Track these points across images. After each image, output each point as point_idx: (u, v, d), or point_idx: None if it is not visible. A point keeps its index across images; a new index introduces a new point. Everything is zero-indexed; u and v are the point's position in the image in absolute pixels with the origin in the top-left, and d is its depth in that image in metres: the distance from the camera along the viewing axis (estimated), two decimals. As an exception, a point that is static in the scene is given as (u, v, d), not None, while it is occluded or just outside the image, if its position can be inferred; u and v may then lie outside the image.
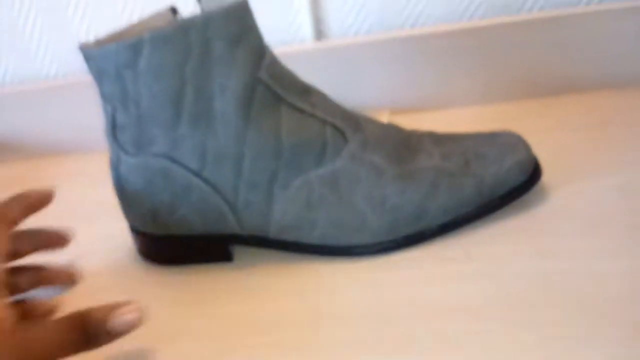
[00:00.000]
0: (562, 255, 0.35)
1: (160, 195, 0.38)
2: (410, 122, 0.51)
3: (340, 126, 0.38)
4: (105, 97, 0.36)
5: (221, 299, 0.38)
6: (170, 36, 0.34)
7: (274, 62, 0.37)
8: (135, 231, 0.40)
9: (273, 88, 0.36)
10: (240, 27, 0.35)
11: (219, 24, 0.34)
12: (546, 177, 0.41)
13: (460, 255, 0.37)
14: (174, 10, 0.40)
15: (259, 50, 0.36)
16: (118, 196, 0.40)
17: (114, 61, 0.34)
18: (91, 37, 0.61)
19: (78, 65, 0.63)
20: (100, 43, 0.37)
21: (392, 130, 0.40)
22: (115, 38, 0.38)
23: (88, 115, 0.60)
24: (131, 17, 0.59)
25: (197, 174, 0.37)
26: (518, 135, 0.40)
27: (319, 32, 0.57)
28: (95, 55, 0.35)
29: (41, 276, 0.35)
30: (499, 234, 0.38)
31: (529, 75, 0.53)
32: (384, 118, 0.53)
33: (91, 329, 0.30)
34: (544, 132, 0.46)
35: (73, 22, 0.61)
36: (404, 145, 0.39)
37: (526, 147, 0.39)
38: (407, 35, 0.52)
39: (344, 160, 0.37)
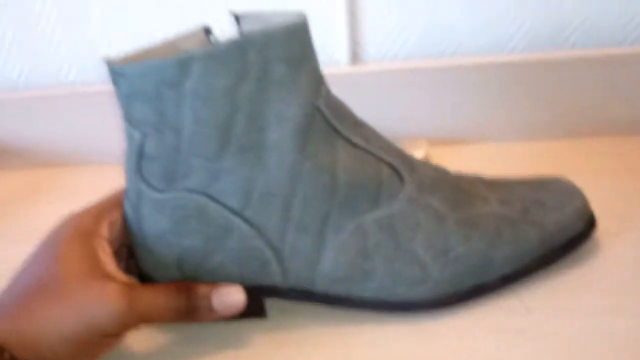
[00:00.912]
0: (624, 312, 0.33)
1: (191, 239, 0.32)
2: (449, 153, 0.49)
3: (397, 165, 0.34)
4: (134, 122, 0.31)
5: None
6: (226, 55, 0.29)
7: (329, 91, 0.33)
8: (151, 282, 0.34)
9: (329, 119, 0.32)
10: (301, 48, 0.31)
11: (280, 44, 0.30)
12: (599, 225, 0.39)
13: (519, 308, 0.35)
14: (207, 31, 0.36)
15: (318, 76, 0.32)
16: (135, 239, 0.34)
17: (155, 80, 0.29)
18: (112, 41, 0.56)
19: (97, 73, 0.58)
20: (127, 60, 0.32)
21: (443, 173, 0.37)
22: (142, 56, 0.33)
23: (105, 126, 0.56)
24: (155, 23, 0.55)
25: (237, 214, 0.32)
26: (570, 182, 0.38)
27: (355, 55, 0.54)
28: (131, 72, 0.29)
29: None
30: (556, 285, 0.36)
31: (573, 113, 0.52)
32: (422, 148, 0.50)
33: (196, 300, 0.31)
34: (589, 175, 0.45)
35: (95, 25, 0.56)
36: (457, 189, 0.36)
37: (581, 194, 0.37)
38: (447, 64, 0.50)
39: (401, 203, 0.34)
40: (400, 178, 0.34)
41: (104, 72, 0.58)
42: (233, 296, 0.32)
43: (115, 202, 0.34)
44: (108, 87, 0.55)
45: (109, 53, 0.57)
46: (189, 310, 0.31)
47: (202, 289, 0.31)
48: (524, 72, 0.50)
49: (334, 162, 0.32)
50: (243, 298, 0.32)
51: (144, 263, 0.34)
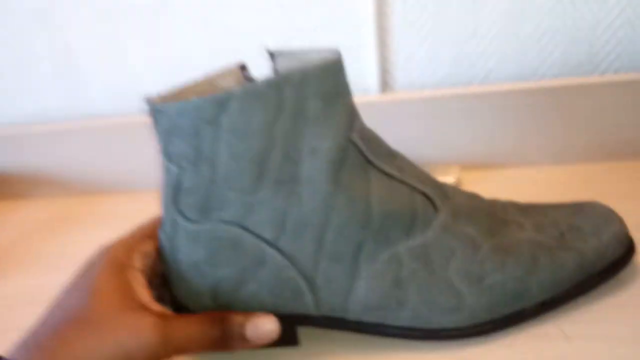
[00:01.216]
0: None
1: (226, 269, 0.33)
2: (480, 178, 0.49)
3: (430, 194, 0.34)
4: (171, 156, 0.32)
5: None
6: (263, 92, 0.30)
7: (363, 124, 0.34)
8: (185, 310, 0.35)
9: (363, 151, 0.33)
10: (336, 85, 0.32)
11: (316, 81, 0.31)
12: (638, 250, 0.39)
13: (557, 335, 0.34)
14: (242, 67, 0.37)
15: (352, 111, 0.33)
16: (169, 269, 0.34)
17: (194, 117, 0.30)
18: (149, 73, 0.59)
19: (133, 104, 0.61)
20: (164, 99, 0.33)
21: (477, 199, 0.37)
22: (180, 94, 0.34)
23: (137, 154, 0.59)
24: (190, 54, 0.57)
25: (271, 244, 0.32)
26: (606, 206, 0.38)
27: (385, 84, 0.55)
28: (171, 110, 0.31)
29: None
30: (595, 312, 0.35)
31: (602, 138, 0.51)
32: (454, 174, 0.51)
33: (230, 329, 0.31)
34: (622, 199, 0.44)
35: (129, 59, 0.59)
36: (491, 215, 0.36)
37: (619, 218, 0.37)
38: (477, 91, 0.51)
39: (435, 231, 0.34)
40: (434, 206, 0.34)
41: (136, 103, 0.60)
42: (267, 326, 0.32)
43: (148, 232, 0.35)
44: (139, 117, 0.58)
45: (141, 86, 0.59)
46: (223, 340, 0.31)
47: (237, 319, 0.32)
48: (554, 97, 0.50)
49: (368, 193, 0.33)
50: (277, 328, 0.32)
51: (178, 292, 0.34)
